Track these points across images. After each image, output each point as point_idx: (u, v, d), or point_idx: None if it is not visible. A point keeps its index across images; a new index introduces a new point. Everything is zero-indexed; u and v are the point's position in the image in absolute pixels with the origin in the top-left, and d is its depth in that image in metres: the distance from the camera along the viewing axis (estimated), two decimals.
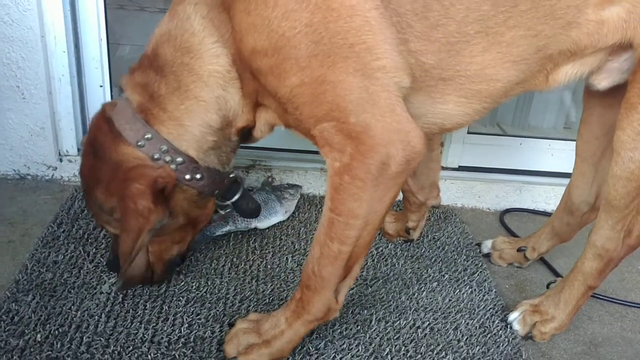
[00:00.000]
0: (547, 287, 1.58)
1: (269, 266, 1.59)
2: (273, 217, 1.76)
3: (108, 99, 1.91)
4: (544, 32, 1.10)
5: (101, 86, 1.88)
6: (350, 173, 1.04)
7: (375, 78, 1.01)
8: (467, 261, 1.72)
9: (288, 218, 1.82)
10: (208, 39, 1.10)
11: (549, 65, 1.17)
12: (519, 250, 1.72)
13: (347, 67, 0.99)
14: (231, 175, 1.32)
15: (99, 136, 1.19)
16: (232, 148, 1.26)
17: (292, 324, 1.23)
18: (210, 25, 1.09)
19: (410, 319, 1.45)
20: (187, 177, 1.19)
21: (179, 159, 1.17)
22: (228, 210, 1.67)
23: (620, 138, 1.19)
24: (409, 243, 1.77)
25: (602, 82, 1.25)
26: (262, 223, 1.74)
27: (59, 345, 1.24)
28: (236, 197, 1.35)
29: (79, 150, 1.90)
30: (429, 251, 1.75)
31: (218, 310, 1.40)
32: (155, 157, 1.15)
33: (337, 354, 1.31)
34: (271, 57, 1.02)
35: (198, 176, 1.20)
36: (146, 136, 1.15)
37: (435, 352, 1.36)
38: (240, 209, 1.39)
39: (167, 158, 1.16)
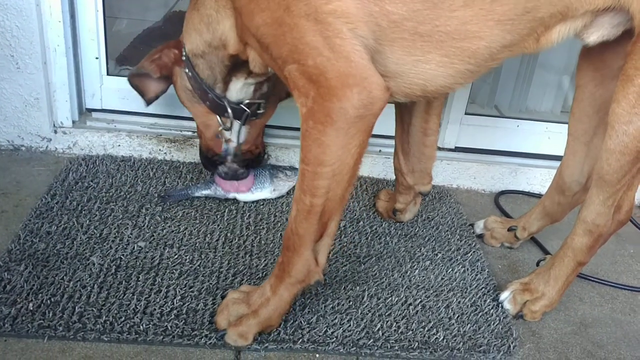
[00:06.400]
0: (537, 264, 1.59)
1: (262, 242, 1.59)
2: (257, 192, 1.75)
3: (104, 71, 1.90)
4: None
5: (97, 58, 1.87)
6: (313, 117, 1.08)
7: (328, 23, 1.03)
8: (461, 241, 1.72)
9: (278, 198, 1.80)
10: None
11: (540, 28, 1.16)
12: (509, 229, 1.72)
13: (300, 10, 1.04)
14: (231, 103, 1.51)
15: None
16: (221, 70, 1.43)
17: (276, 290, 1.24)
18: None
19: (402, 296, 1.46)
20: (186, 70, 1.48)
21: (184, 53, 1.46)
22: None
23: (615, 111, 1.18)
24: (402, 222, 1.77)
25: (591, 35, 1.23)
26: (244, 196, 1.74)
27: (50, 315, 1.24)
28: (235, 125, 1.56)
29: (73, 122, 1.88)
30: (422, 230, 1.75)
31: (211, 284, 1.40)
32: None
33: (329, 329, 1.32)
34: None
35: (189, 73, 1.47)
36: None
37: (426, 329, 1.37)
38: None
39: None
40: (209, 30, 1.35)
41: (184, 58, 1.47)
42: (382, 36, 1.08)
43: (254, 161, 1.74)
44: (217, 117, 1.55)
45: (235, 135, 1.60)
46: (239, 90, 1.51)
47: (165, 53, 1.51)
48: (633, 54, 1.16)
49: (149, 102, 1.62)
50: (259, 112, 1.58)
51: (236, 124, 1.57)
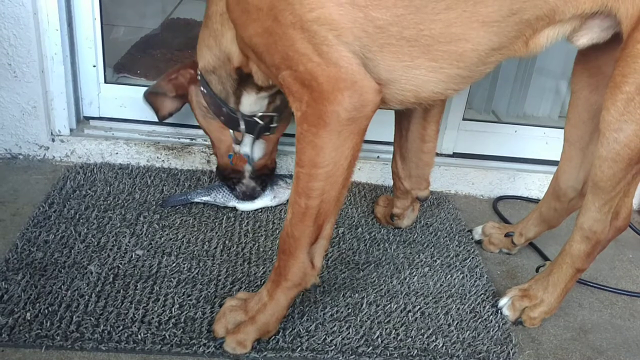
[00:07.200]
0: (537, 271, 1.59)
1: (261, 249, 1.59)
2: (258, 199, 1.75)
3: (101, 79, 1.90)
4: None
5: (94, 66, 1.87)
6: (307, 121, 1.10)
7: (313, 31, 1.05)
8: (459, 247, 1.72)
9: (276, 205, 1.79)
10: None
11: (527, 31, 1.15)
12: (506, 235, 1.72)
13: (286, 20, 1.06)
14: (244, 116, 1.53)
15: None
16: (231, 84, 1.47)
17: (273, 295, 1.24)
18: None
19: (401, 303, 1.46)
20: (201, 87, 1.54)
21: (199, 71, 1.52)
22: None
23: (605, 119, 1.18)
24: (401, 228, 1.76)
25: (581, 38, 1.23)
26: (244, 205, 1.73)
27: (48, 324, 1.24)
28: (247, 139, 1.59)
29: (71, 130, 1.88)
30: (421, 236, 1.75)
31: (209, 292, 1.40)
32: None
33: (328, 336, 1.32)
34: (236, 9, 1.17)
35: (203, 90, 1.53)
36: None
37: (425, 336, 1.36)
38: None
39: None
40: (216, 44, 1.39)
41: (199, 77, 1.52)
42: (370, 42, 1.09)
43: (269, 176, 1.75)
44: (231, 131, 1.58)
45: (249, 149, 1.62)
46: (252, 103, 1.52)
47: (181, 73, 1.59)
48: (621, 60, 1.15)
49: (162, 119, 1.69)
50: (272, 125, 1.58)
51: (248, 137, 1.59)
